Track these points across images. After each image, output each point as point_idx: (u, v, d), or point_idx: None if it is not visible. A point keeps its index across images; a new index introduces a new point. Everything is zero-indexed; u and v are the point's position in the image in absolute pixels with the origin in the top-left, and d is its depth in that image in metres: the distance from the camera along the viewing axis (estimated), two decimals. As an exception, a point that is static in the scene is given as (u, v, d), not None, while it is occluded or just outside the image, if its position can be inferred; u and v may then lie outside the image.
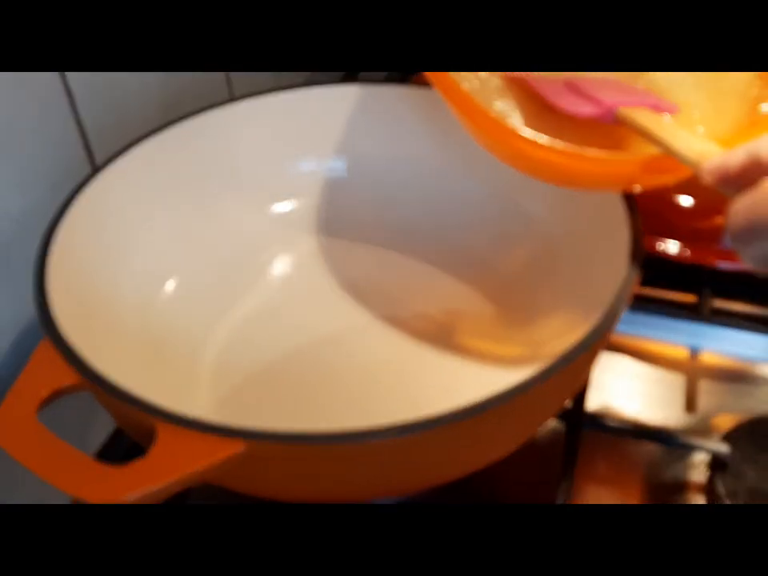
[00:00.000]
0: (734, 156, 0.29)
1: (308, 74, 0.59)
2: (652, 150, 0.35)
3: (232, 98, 0.49)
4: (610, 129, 0.37)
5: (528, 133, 0.36)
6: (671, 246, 0.49)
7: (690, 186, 0.51)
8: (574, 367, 0.32)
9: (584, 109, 0.37)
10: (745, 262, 0.30)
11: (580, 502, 0.41)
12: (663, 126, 0.34)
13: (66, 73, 0.43)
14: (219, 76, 0.56)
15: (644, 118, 0.35)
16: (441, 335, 0.45)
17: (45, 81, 0.42)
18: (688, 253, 0.49)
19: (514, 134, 0.36)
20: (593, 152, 0.35)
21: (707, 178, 0.30)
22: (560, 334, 0.35)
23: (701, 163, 0.30)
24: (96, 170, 0.42)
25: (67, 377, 0.33)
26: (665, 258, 0.50)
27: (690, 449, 0.42)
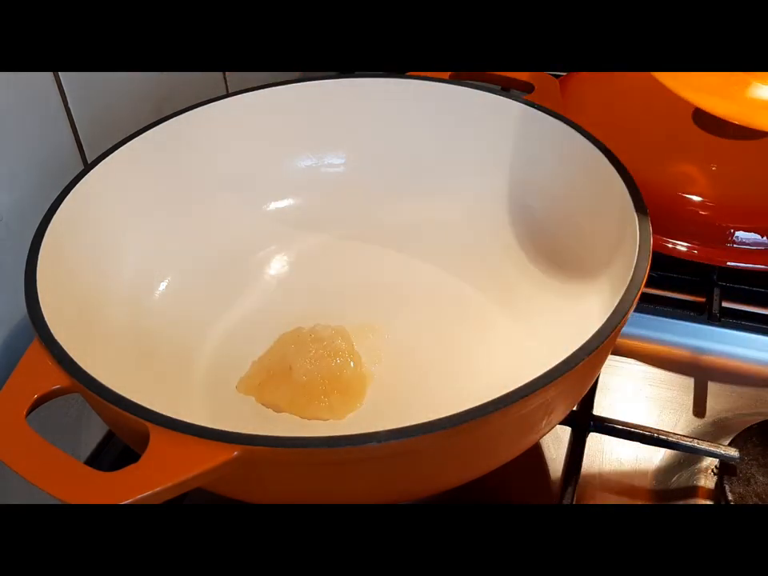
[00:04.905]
0: None
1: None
2: None
3: (227, 93, 0.48)
4: None
5: None
6: (680, 246, 0.49)
7: (698, 184, 0.51)
8: (580, 370, 0.31)
9: None
10: None
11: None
12: None
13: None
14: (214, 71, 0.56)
15: None
16: (442, 336, 0.44)
17: (36, 76, 0.42)
18: (697, 252, 0.49)
19: None
20: None
21: None
22: (567, 336, 0.34)
23: None
24: (88, 166, 0.42)
25: (58, 379, 0.32)
26: (673, 258, 0.49)
27: (697, 453, 0.42)
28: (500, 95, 0.47)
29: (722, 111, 0.38)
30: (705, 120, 0.53)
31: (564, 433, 0.43)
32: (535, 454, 0.43)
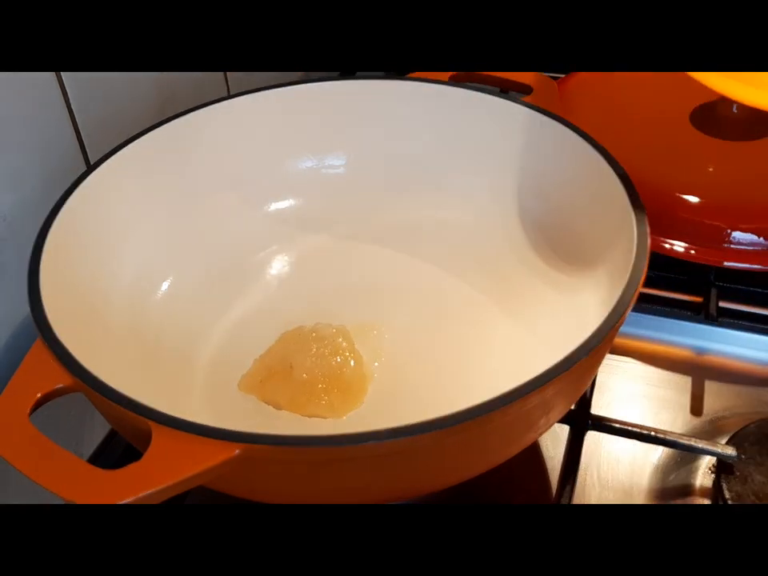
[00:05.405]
0: None
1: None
2: None
3: (229, 94, 0.48)
4: None
5: None
6: (677, 246, 0.49)
7: (696, 184, 0.51)
8: (578, 369, 0.31)
9: None
10: None
11: (584, 506, 0.40)
12: None
13: (59, 69, 0.42)
14: (216, 72, 0.56)
15: None
16: (442, 335, 0.45)
17: (39, 77, 0.41)
18: (694, 252, 0.49)
19: None
20: None
21: None
22: (565, 335, 0.34)
23: None
24: (90, 167, 0.42)
25: (61, 378, 0.32)
26: (671, 258, 0.49)
27: (695, 452, 0.42)
28: (499, 97, 0.47)
29: (750, 99, 0.38)
30: (702, 121, 0.54)
31: (562, 431, 0.43)
32: (534, 453, 0.43)
